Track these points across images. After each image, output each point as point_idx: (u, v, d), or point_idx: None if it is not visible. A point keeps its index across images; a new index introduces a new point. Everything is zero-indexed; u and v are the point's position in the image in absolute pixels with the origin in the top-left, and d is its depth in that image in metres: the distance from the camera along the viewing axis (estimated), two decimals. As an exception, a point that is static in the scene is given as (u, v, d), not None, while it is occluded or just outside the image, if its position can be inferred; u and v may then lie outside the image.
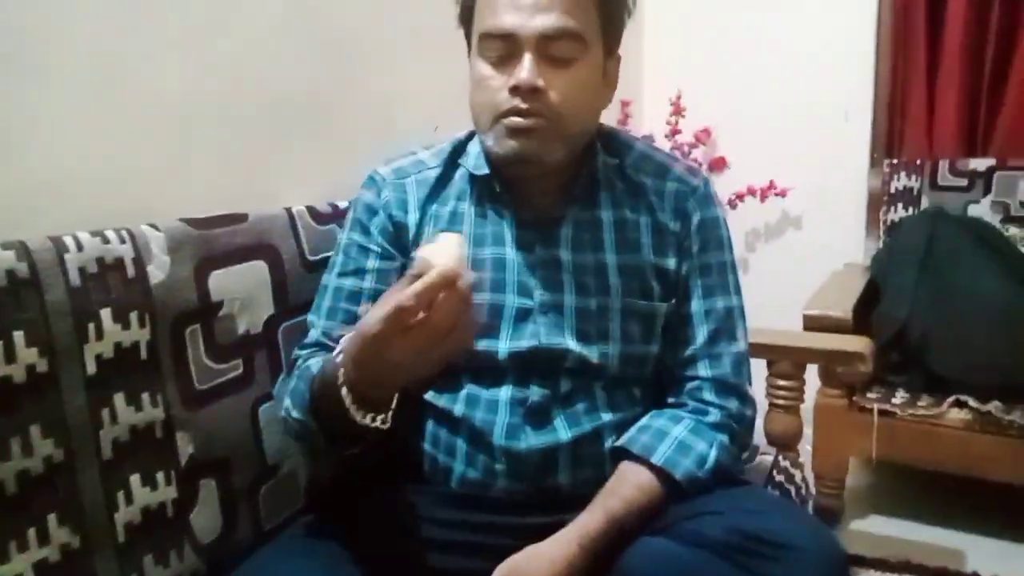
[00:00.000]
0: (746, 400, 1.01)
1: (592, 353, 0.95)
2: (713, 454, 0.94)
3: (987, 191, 2.05)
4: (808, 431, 1.53)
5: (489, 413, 0.94)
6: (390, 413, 0.80)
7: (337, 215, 1.16)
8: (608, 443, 0.95)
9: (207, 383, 0.93)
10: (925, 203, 2.11)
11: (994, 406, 1.66)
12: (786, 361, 1.38)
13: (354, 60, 1.36)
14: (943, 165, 2.11)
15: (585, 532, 0.86)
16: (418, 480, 0.98)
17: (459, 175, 1.02)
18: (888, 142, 2.22)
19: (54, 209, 0.87)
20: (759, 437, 1.32)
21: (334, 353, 0.80)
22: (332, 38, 1.31)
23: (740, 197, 2.34)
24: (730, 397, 0.99)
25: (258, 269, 1.01)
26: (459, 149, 1.04)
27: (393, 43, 1.44)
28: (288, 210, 1.09)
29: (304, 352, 0.97)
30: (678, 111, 2.35)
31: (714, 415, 0.97)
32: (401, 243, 1.00)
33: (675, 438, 0.94)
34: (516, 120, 0.90)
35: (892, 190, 2.17)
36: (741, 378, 1.01)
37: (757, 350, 1.23)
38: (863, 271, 2.11)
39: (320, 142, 1.29)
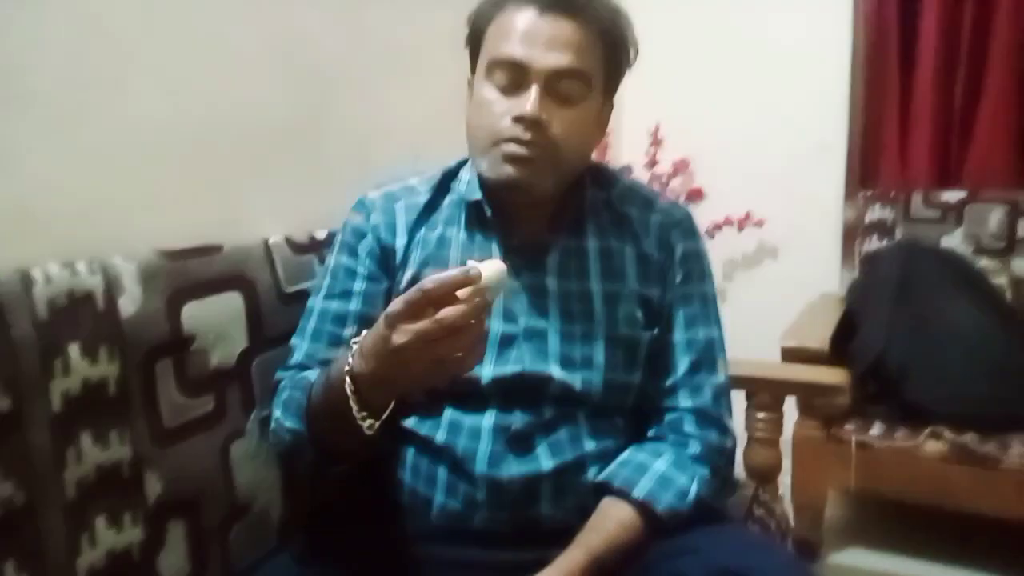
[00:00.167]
0: (726, 432, 1.01)
1: (575, 380, 0.95)
2: (694, 488, 0.93)
3: (959, 223, 2.08)
4: (787, 463, 1.52)
5: (472, 440, 0.92)
6: (378, 423, 0.80)
7: (315, 246, 1.15)
8: (591, 473, 0.94)
9: (177, 420, 0.90)
10: (899, 234, 2.14)
11: (970, 437, 1.66)
12: (765, 393, 1.38)
13: (330, 90, 1.35)
14: (917, 197, 2.14)
15: (567, 571, 0.84)
16: (396, 515, 0.96)
17: (448, 201, 1.04)
18: (863, 173, 2.26)
19: (24, 239, 0.85)
20: (739, 471, 1.32)
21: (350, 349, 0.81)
22: (308, 68, 1.30)
23: (718, 227, 2.36)
24: (710, 429, 0.99)
25: (232, 301, 0.99)
26: (449, 176, 1.06)
27: (369, 74, 1.44)
28: (265, 241, 1.08)
29: (287, 374, 0.97)
30: (656, 142, 2.37)
31: (694, 447, 0.97)
32: (389, 266, 1.01)
33: (656, 472, 0.93)
34: (514, 148, 0.91)
35: (867, 221, 2.20)
36: (721, 409, 1.01)
37: (737, 381, 1.23)
38: (839, 301, 2.12)
39: (296, 172, 1.28)
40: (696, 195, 2.43)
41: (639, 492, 0.91)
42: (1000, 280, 2.00)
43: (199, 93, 1.10)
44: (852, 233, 2.24)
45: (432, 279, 0.72)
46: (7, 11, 0.86)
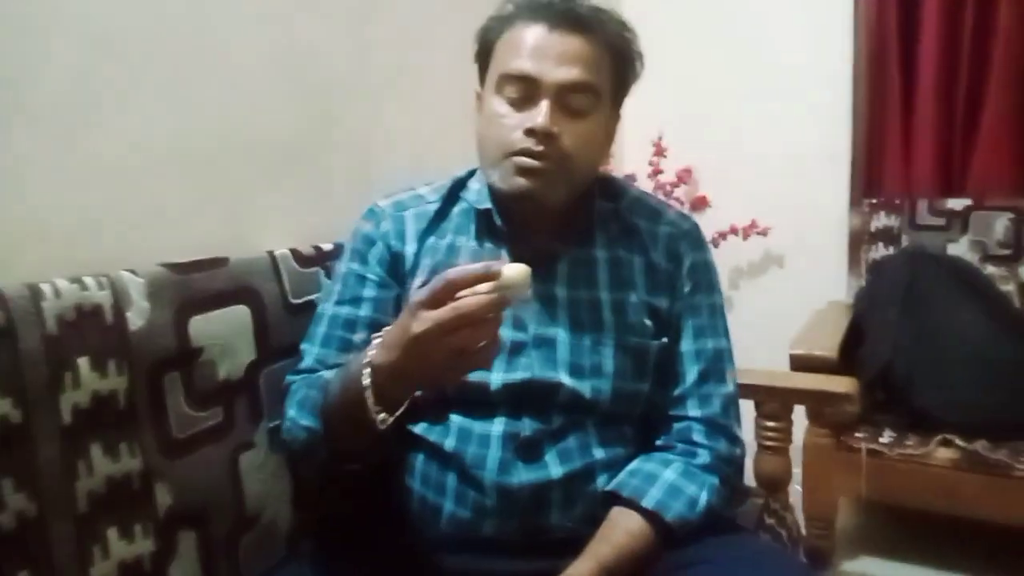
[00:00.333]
0: (735, 441, 1.01)
1: (584, 388, 0.95)
2: (704, 497, 0.93)
3: (965, 230, 2.08)
4: (797, 471, 1.52)
5: (481, 447, 0.93)
6: (391, 419, 0.80)
7: (321, 258, 1.16)
8: (600, 482, 0.94)
9: (186, 431, 0.90)
10: (905, 242, 2.14)
11: (981, 445, 1.65)
12: (774, 402, 1.38)
13: (335, 104, 1.36)
14: (922, 205, 2.14)
15: (575, 582, 0.84)
16: (405, 524, 0.97)
17: (458, 210, 1.05)
18: (867, 181, 2.25)
19: (32, 253, 0.86)
20: (749, 480, 1.31)
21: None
22: (313, 82, 1.31)
23: (723, 236, 2.35)
24: (719, 438, 0.99)
25: (239, 313, 1.00)
26: (459, 185, 1.07)
27: (373, 88, 1.45)
28: (270, 253, 1.08)
29: (297, 378, 0.98)
30: (660, 152, 2.38)
31: (703, 457, 0.97)
32: (398, 273, 1.02)
33: (665, 481, 0.93)
34: (526, 160, 0.92)
35: (872, 229, 2.20)
36: (729, 419, 1.01)
37: (745, 391, 1.23)
38: (846, 309, 2.12)
39: (301, 185, 1.29)
40: (701, 203, 2.43)
41: (648, 502, 0.91)
42: (1008, 287, 1.99)
43: (205, 108, 1.11)
44: (858, 241, 2.24)
45: (456, 270, 0.74)
46: (16, 27, 0.87)
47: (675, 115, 2.40)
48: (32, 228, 0.88)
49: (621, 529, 0.89)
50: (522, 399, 0.94)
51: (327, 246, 1.18)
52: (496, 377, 0.95)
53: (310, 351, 1.00)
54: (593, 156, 0.99)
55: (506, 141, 0.94)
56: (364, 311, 1.00)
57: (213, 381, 0.95)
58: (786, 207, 2.34)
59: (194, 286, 0.94)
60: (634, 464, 0.96)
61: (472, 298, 0.72)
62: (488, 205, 1.01)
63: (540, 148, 0.92)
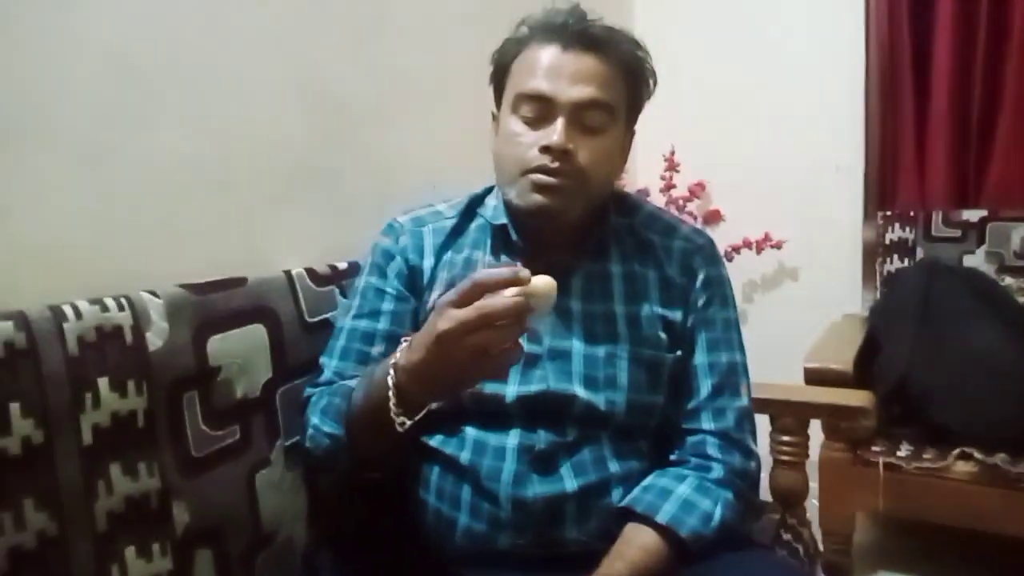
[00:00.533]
0: (750, 455, 1.01)
1: (599, 400, 0.96)
2: (719, 512, 0.93)
3: (981, 242, 2.07)
4: (813, 486, 1.51)
5: (496, 460, 0.93)
6: (410, 422, 0.81)
7: (337, 276, 1.17)
8: (615, 495, 0.95)
9: (204, 450, 0.91)
10: (920, 254, 2.13)
11: (1000, 458, 1.63)
12: (789, 416, 1.37)
13: (349, 124, 1.38)
14: (936, 216, 2.13)
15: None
16: (420, 539, 0.97)
17: (475, 225, 1.07)
18: (881, 194, 2.25)
19: (51, 276, 0.87)
20: (765, 495, 1.30)
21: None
22: (327, 103, 1.33)
23: (736, 249, 2.35)
24: (733, 452, 0.99)
25: (257, 332, 1.01)
26: (476, 202, 1.09)
27: (387, 107, 1.47)
28: (287, 273, 1.10)
29: (316, 390, 1.00)
30: (672, 166, 2.38)
31: (717, 471, 0.97)
32: (416, 287, 1.04)
33: (680, 496, 0.93)
34: (542, 177, 0.94)
35: (887, 241, 2.19)
36: (744, 433, 1.01)
37: (760, 405, 1.22)
38: (861, 322, 2.11)
39: (317, 204, 1.30)
40: (714, 217, 2.44)
41: (663, 517, 0.91)
42: (1025, 299, 1.98)
43: (222, 130, 1.13)
44: (872, 253, 2.23)
45: (484, 272, 0.75)
46: (37, 55, 0.89)
47: (687, 129, 2.40)
48: (54, 250, 0.90)
49: (635, 545, 0.89)
50: (537, 411, 0.95)
51: (342, 265, 1.19)
52: (511, 389, 0.95)
53: (329, 364, 1.02)
54: (608, 172, 1.01)
55: (522, 159, 0.95)
56: (382, 324, 1.02)
57: (230, 400, 0.96)
58: (800, 220, 2.33)
59: (212, 306, 0.96)
60: (648, 480, 0.96)
61: (496, 299, 0.73)
62: (504, 220, 1.03)
63: (556, 165, 0.93)
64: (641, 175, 2.47)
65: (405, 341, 0.82)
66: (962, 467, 1.68)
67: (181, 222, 1.07)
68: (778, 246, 2.34)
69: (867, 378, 1.76)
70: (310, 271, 1.13)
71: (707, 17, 2.45)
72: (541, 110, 0.96)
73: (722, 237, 2.32)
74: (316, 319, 1.10)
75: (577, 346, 0.98)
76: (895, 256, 2.16)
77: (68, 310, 0.80)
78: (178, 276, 0.96)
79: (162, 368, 0.87)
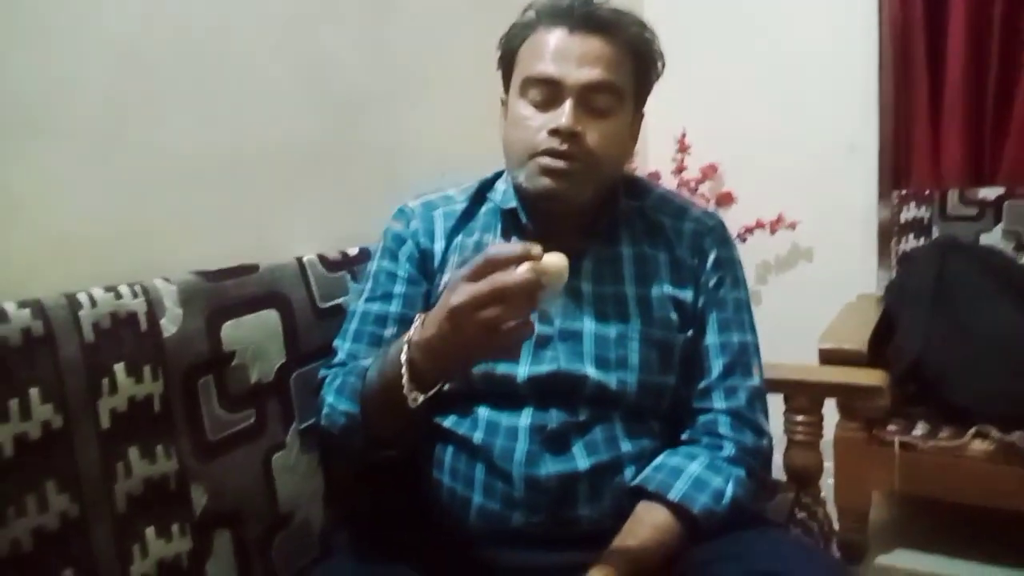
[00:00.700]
0: (762, 434, 1.01)
1: (611, 380, 0.96)
2: (730, 489, 0.93)
3: (997, 220, 2.05)
4: (829, 465, 1.50)
5: (509, 440, 0.94)
6: (423, 397, 0.82)
7: (348, 262, 1.18)
8: (627, 474, 0.95)
9: (220, 433, 0.93)
10: (936, 233, 2.11)
11: (1018, 436, 1.62)
12: (803, 396, 1.37)
13: (357, 112, 1.39)
14: (952, 195, 2.11)
15: (604, 576, 0.84)
16: (434, 519, 0.99)
17: (485, 209, 1.08)
18: (895, 173, 2.23)
19: (66, 265, 0.89)
20: (780, 475, 1.30)
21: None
22: (335, 92, 1.34)
23: (749, 231, 2.34)
24: (745, 430, 0.99)
25: (269, 318, 1.02)
26: (486, 186, 1.10)
27: (394, 95, 1.47)
28: (299, 259, 1.11)
29: (331, 371, 1.01)
30: (683, 148, 2.37)
31: (729, 449, 0.97)
32: (427, 270, 1.05)
33: (691, 474, 0.94)
34: (551, 160, 0.94)
35: (902, 220, 2.17)
36: (755, 412, 1.01)
37: (773, 385, 1.22)
38: (877, 302, 2.10)
39: (327, 192, 1.31)
40: (726, 199, 2.42)
41: (674, 495, 0.91)
42: (1043, 276, 1.95)
43: (231, 120, 1.14)
44: (887, 233, 2.22)
45: (496, 247, 0.76)
46: (48, 49, 0.90)
47: (698, 111, 2.39)
48: (68, 240, 0.91)
49: (647, 523, 0.90)
50: (548, 392, 0.96)
51: (353, 251, 1.20)
52: (522, 370, 0.96)
53: (342, 346, 1.03)
54: (617, 155, 1.01)
55: (531, 142, 0.96)
56: (394, 307, 1.03)
57: (245, 384, 0.97)
58: (813, 201, 2.32)
59: (225, 293, 0.97)
60: (659, 459, 0.97)
61: (509, 274, 0.73)
62: (513, 204, 1.03)
63: (564, 148, 0.94)
64: (652, 158, 2.46)
65: (419, 319, 0.83)
66: (979, 445, 1.67)
67: (193, 211, 1.08)
68: (792, 227, 2.33)
69: (882, 358, 1.75)
70: (321, 257, 1.14)
71: (717, -2, 2.43)
72: (549, 93, 0.96)
73: (735, 219, 2.32)
74: (328, 304, 1.11)
75: (588, 327, 0.99)
76: (910, 235, 2.15)
77: (83, 298, 0.81)
78: (191, 265, 0.97)
79: (177, 353, 0.89)
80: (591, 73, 0.94)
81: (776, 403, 1.30)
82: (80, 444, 0.78)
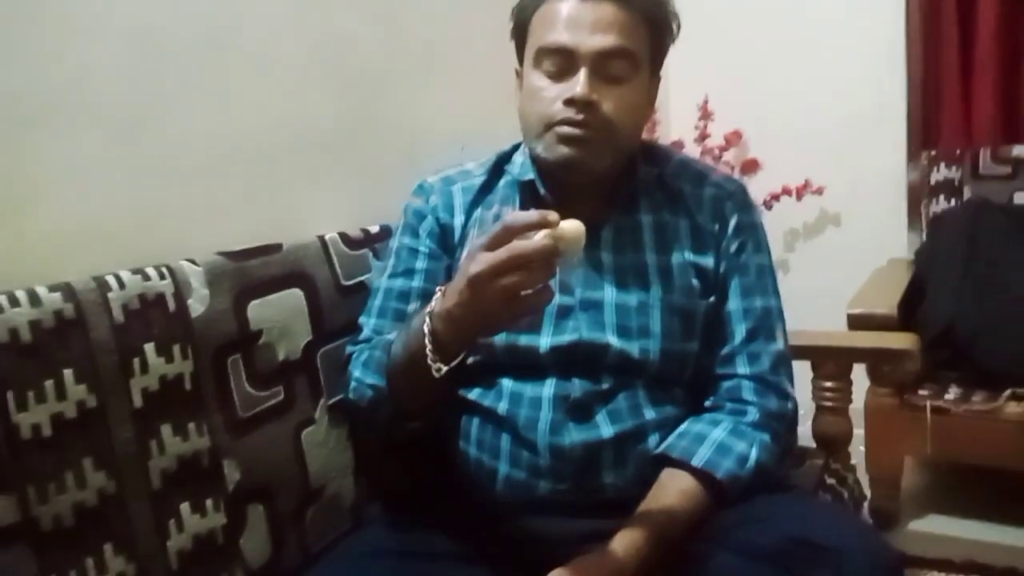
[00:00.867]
0: (786, 398, 1.00)
1: (633, 349, 0.97)
2: (754, 453, 0.93)
3: (1032, 177, 2.00)
4: (859, 432, 1.50)
5: (533, 410, 0.95)
6: (447, 368, 0.83)
7: (369, 240, 1.19)
8: (651, 442, 0.96)
9: (250, 410, 0.95)
10: (967, 193, 2.07)
11: (1053, 398, 1.60)
12: (830, 362, 1.36)
13: (375, 91, 1.39)
14: (984, 154, 2.06)
15: (630, 543, 0.85)
16: (463, 492, 1.00)
17: (504, 182, 1.08)
18: (924, 133, 2.18)
19: (95, 248, 0.90)
20: (808, 441, 1.30)
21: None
22: (353, 72, 1.34)
23: (776, 198, 2.31)
24: (769, 395, 0.99)
25: (294, 297, 1.03)
26: (504, 159, 1.10)
27: (411, 73, 1.47)
28: (321, 238, 1.12)
29: (357, 347, 1.03)
30: (706, 115, 2.34)
31: (752, 414, 0.97)
32: (448, 245, 1.06)
33: (714, 440, 0.94)
34: (568, 129, 0.94)
35: (932, 182, 2.13)
36: (779, 376, 1.01)
37: (801, 352, 1.22)
38: (908, 266, 2.06)
39: (347, 171, 1.32)
40: (751, 166, 2.39)
41: (698, 461, 0.91)
42: (1080, 235, 1.90)
43: (251, 103, 1.14)
44: (917, 195, 2.17)
45: (513, 215, 0.77)
46: (71, 37, 0.91)
47: (721, 76, 2.36)
48: (95, 225, 0.93)
49: (672, 490, 0.90)
50: (571, 361, 0.96)
51: (374, 228, 1.21)
52: (544, 341, 0.97)
53: (367, 323, 1.05)
54: (635, 121, 1.00)
55: (547, 113, 0.95)
56: (416, 282, 1.04)
57: (273, 362, 0.99)
58: (841, 165, 2.28)
59: (250, 272, 0.98)
60: (683, 426, 0.97)
61: (526, 242, 0.74)
62: (531, 176, 1.03)
63: (580, 117, 0.93)
64: (675, 126, 2.43)
65: (439, 291, 0.84)
66: (1013, 408, 1.65)
67: (216, 193, 1.09)
68: (819, 192, 2.29)
69: (912, 323, 1.73)
70: (343, 236, 1.15)
71: (739, -40, 2.38)
72: (563, 63, 0.95)
73: (761, 186, 2.29)
74: (351, 282, 1.12)
75: (609, 296, 0.99)
76: (941, 197, 2.10)
77: (112, 280, 0.83)
78: (216, 246, 0.98)
79: (205, 333, 0.90)
80: (605, 40, 0.93)
81: (804, 370, 1.30)
82: (114, 423, 0.80)
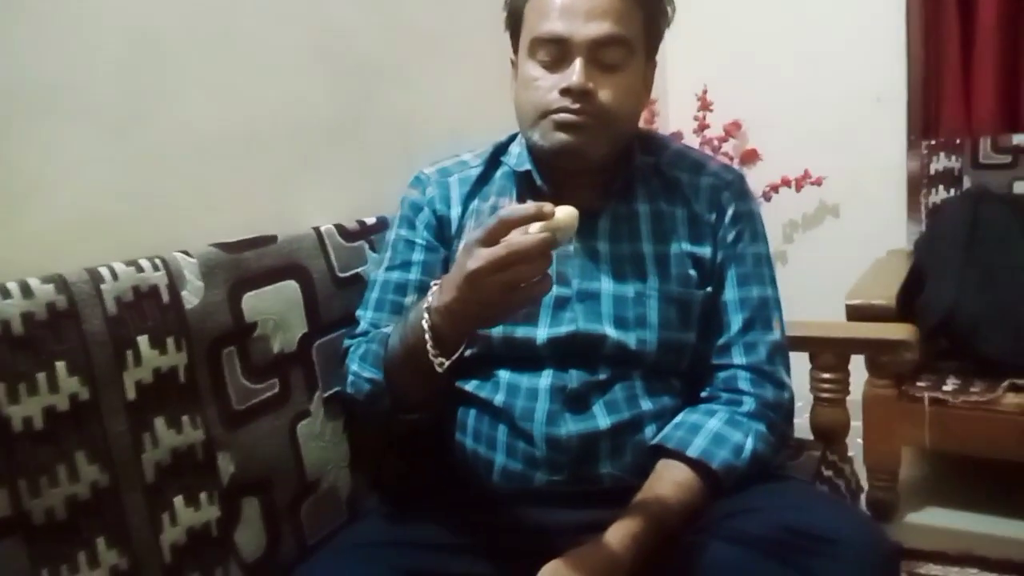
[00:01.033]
0: (782, 387, 1.00)
1: (630, 339, 0.96)
2: (750, 443, 0.93)
3: (1033, 166, 1.99)
4: (857, 423, 1.49)
5: (529, 401, 0.95)
6: (448, 361, 0.83)
7: (365, 232, 1.18)
8: (648, 432, 0.96)
9: (245, 403, 0.94)
10: (967, 183, 2.06)
11: (1052, 389, 1.60)
12: (828, 353, 1.36)
13: (371, 82, 1.38)
14: (984, 143, 2.05)
15: (626, 534, 0.85)
16: (460, 481, 1.00)
17: (500, 173, 1.07)
18: (924, 123, 2.17)
19: (89, 241, 0.90)
20: (806, 433, 1.30)
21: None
22: (348, 63, 1.33)
23: (775, 188, 2.31)
24: (765, 385, 0.99)
25: (290, 289, 1.03)
26: (500, 150, 1.10)
27: (407, 63, 1.46)
28: (316, 229, 1.11)
29: (354, 341, 1.03)
30: (705, 106, 2.33)
31: (748, 404, 0.97)
32: (445, 236, 1.06)
33: (710, 430, 0.94)
34: (564, 116, 0.94)
35: (932, 172, 2.12)
36: (776, 366, 1.00)
37: (798, 343, 1.21)
38: (907, 257, 2.06)
39: (343, 162, 1.31)
40: (751, 157, 2.39)
41: (694, 451, 0.91)
42: (1080, 224, 1.90)
43: (245, 94, 1.14)
44: (917, 185, 2.17)
45: (509, 209, 0.77)
46: (63, 30, 0.90)
47: (720, 67, 2.35)
48: (88, 216, 0.92)
49: (667, 480, 0.90)
50: (568, 352, 0.96)
51: (371, 220, 1.21)
52: (541, 332, 0.97)
53: (364, 316, 1.05)
54: (632, 108, 1.00)
55: (542, 102, 0.95)
56: (414, 274, 1.04)
57: (268, 354, 0.98)
58: (840, 155, 2.28)
59: (245, 264, 0.98)
60: (679, 417, 0.97)
61: (525, 236, 0.74)
62: (528, 166, 1.03)
63: (577, 106, 0.93)
64: (673, 117, 2.43)
65: (435, 284, 0.84)
66: (1012, 399, 1.65)
67: (210, 185, 1.08)
68: (818, 183, 2.29)
69: (911, 313, 1.73)
70: (339, 227, 1.15)
71: (737, -52, 2.37)
72: (558, 52, 0.94)
73: (760, 176, 2.29)
74: (347, 274, 1.12)
75: (606, 287, 0.98)
76: (940, 187, 2.10)
77: (105, 272, 0.82)
78: (210, 238, 0.98)
79: (199, 325, 0.90)
80: (600, 28, 0.93)
81: (802, 361, 1.29)
82: (108, 415, 0.79)
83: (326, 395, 1.05)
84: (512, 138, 1.09)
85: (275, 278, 1.01)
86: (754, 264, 1.03)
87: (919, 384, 1.73)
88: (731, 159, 2.35)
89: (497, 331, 0.97)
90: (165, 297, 0.87)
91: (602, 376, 0.96)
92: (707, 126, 2.34)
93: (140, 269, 0.86)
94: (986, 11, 2.04)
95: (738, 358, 0.99)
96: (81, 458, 0.76)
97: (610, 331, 0.96)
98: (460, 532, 0.94)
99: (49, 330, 0.76)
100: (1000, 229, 1.79)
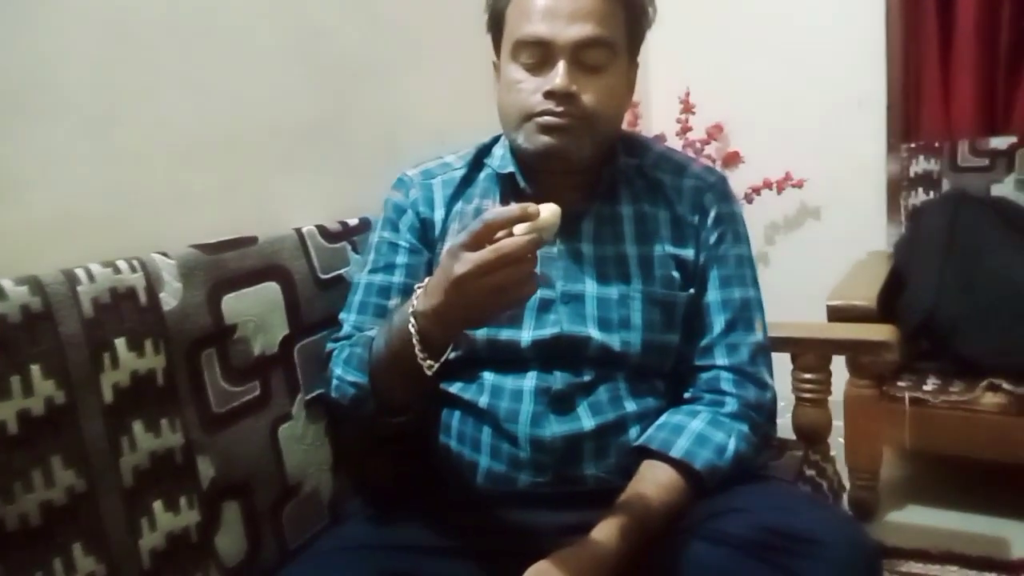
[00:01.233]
0: (765, 388, 1.00)
1: (614, 341, 0.96)
2: (733, 444, 0.94)
3: (1010, 169, 2.01)
4: (839, 424, 1.50)
5: (514, 402, 0.95)
6: (437, 364, 0.84)
7: (348, 233, 1.18)
8: (632, 433, 0.96)
9: (225, 406, 0.93)
10: (946, 186, 2.08)
11: (1030, 388, 1.62)
12: (810, 354, 1.36)
13: (353, 81, 1.37)
14: (963, 146, 2.08)
15: (610, 535, 0.85)
16: (444, 483, 0.99)
17: (484, 175, 1.07)
18: (904, 126, 2.19)
19: (66, 241, 0.88)
20: (788, 433, 1.30)
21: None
22: (330, 61, 1.32)
23: (756, 191, 2.32)
24: (747, 385, 0.99)
25: (270, 290, 1.02)
26: (483, 152, 1.09)
27: (390, 63, 1.45)
28: (298, 230, 1.10)
29: (337, 345, 1.02)
30: (688, 108, 2.34)
31: (731, 405, 0.97)
32: (428, 239, 1.05)
33: (693, 431, 0.94)
34: (548, 119, 0.94)
35: (911, 174, 2.14)
36: (758, 367, 1.01)
37: (780, 344, 1.22)
38: (887, 258, 2.08)
39: (325, 163, 1.30)
40: (733, 159, 2.40)
41: (676, 451, 0.91)
42: (1057, 226, 1.92)
43: (225, 92, 1.13)
44: (897, 188, 2.19)
45: (493, 211, 0.76)
46: (38, 28, 0.89)
47: (702, 70, 2.36)
48: (64, 216, 0.91)
49: (651, 481, 0.90)
50: (552, 354, 0.96)
51: (353, 221, 1.20)
52: (526, 335, 0.96)
53: (347, 319, 1.04)
54: (615, 110, 1.00)
55: (526, 105, 0.95)
56: (397, 277, 1.03)
57: (248, 357, 0.97)
58: (821, 158, 2.29)
59: (225, 265, 0.96)
60: (662, 418, 0.97)
61: (511, 239, 0.74)
62: (511, 169, 1.02)
63: (561, 109, 0.93)
64: (656, 119, 2.43)
65: (419, 288, 0.84)
66: (991, 399, 1.66)
67: (191, 185, 1.07)
68: (799, 185, 2.30)
69: (891, 314, 1.74)
70: (321, 228, 1.14)
71: (719, -48, 2.38)
72: (541, 55, 0.94)
73: (742, 179, 2.30)
74: (329, 275, 1.11)
75: (590, 289, 0.98)
76: (920, 189, 2.12)
77: (81, 273, 0.81)
78: (190, 239, 0.96)
79: (178, 327, 0.89)
80: (582, 30, 0.92)
81: (784, 362, 1.30)
82: (84, 419, 0.78)
83: (308, 398, 1.04)
84: (495, 140, 1.09)
85: (256, 279, 1.00)
86: (736, 266, 1.03)
87: (900, 384, 1.74)
88: (713, 161, 2.36)
89: (481, 334, 0.96)
90: (143, 299, 0.86)
91: (586, 377, 0.96)
92: (690, 128, 2.35)
93: (117, 270, 0.85)
94: (965, 16, 2.07)
95: (721, 359, 1.00)
96: (57, 463, 0.75)
97: (594, 333, 0.96)
98: (444, 534, 0.93)
99: (24, 332, 0.74)
100: (979, 231, 1.81)
